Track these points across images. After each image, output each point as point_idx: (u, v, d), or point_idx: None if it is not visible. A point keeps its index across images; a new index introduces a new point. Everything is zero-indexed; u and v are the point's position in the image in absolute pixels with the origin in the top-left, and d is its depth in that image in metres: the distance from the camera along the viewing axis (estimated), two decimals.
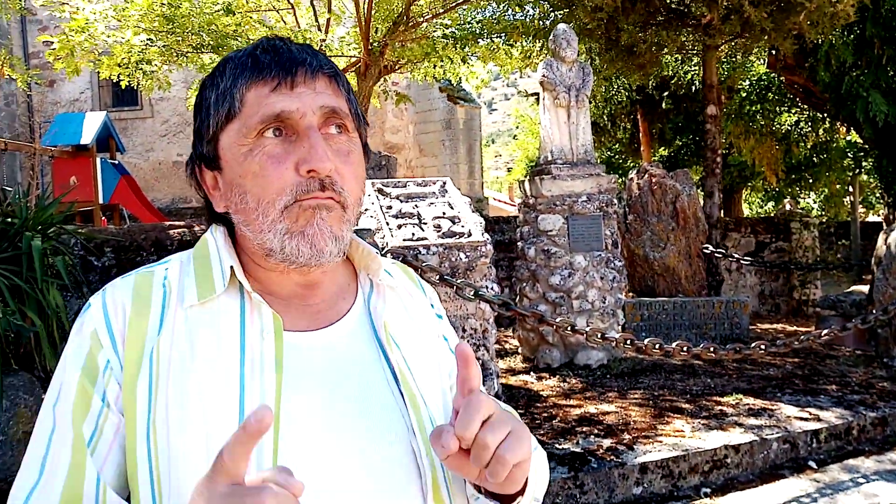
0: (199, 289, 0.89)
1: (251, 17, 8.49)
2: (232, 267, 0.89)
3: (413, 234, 3.86)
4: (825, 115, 10.53)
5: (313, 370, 0.88)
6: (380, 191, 4.18)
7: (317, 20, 9.10)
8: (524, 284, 6.05)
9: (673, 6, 7.51)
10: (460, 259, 3.85)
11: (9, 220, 4.64)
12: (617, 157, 15.82)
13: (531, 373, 5.75)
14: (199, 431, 0.80)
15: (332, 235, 0.87)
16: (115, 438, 0.84)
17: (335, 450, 0.84)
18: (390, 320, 0.98)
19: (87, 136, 9.97)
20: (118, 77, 8.56)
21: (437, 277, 3.58)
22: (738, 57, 10.60)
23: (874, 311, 5.07)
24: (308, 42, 8.45)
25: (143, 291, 0.89)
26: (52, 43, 7.76)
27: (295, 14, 8.88)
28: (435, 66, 9.89)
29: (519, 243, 6.18)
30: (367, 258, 1.00)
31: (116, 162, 11.26)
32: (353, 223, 0.92)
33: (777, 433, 4.12)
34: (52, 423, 0.85)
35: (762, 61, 11.06)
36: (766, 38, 7.57)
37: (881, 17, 8.19)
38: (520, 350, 6.39)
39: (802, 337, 4.47)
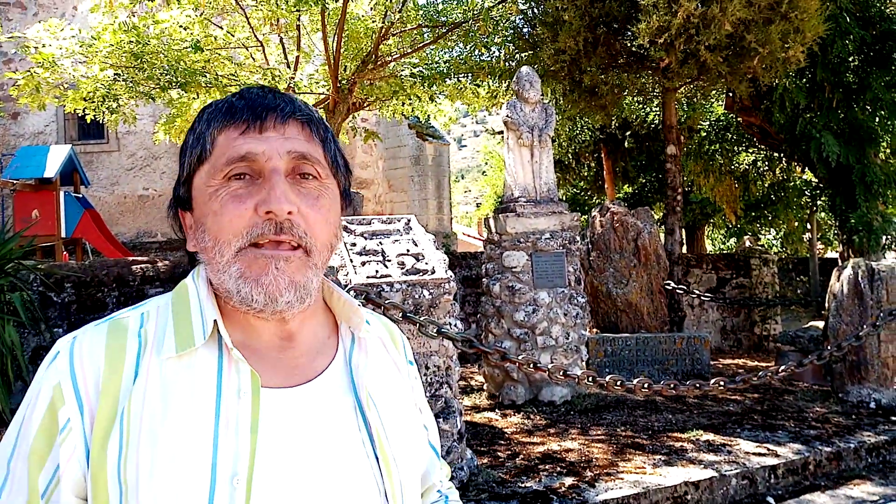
0: (177, 340, 0.87)
1: (220, 54, 8.54)
2: (216, 320, 0.88)
3: (377, 272, 3.88)
4: (781, 154, 10.88)
5: (289, 430, 0.86)
6: (344, 228, 4.21)
7: (286, 58, 9.19)
8: (489, 320, 6.09)
9: (633, 50, 7.76)
10: (424, 296, 3.88)
11: None
12: (582, 193, 16.09)
13: (496, 410, 5.76)
14: (169, 493, 0.79)
15: (290, 283, 0.86)
16: (71, 497, 0.83)
17: None
18: (370, 378, 0.96)
19: (51, 170, 9.86)
20: (84, 111, 8.51)
21: (400, 315, 3.60)
22: (697, 98, 10.95)
23: (829, 348, 5.21)
24: (277, 78, 8.53)
25: (117, 343, 0.87)
26: (17, 80, 7.71)
27: (264, 52, 8.96)
28: (403, 104, 10.04)
29: (484, 279, 6.24)
30: (348, 310, 0.99)
31: (80, 195, 11.13)
32: (320, 268, 0.91)
33: (736, 469, 4.18)
34: (5, 472, 0.83)
35: (720, 102, 11.44)
36: (722, 80, 7.85)
37: (830, 63, 8.56)
38: (485, 387, 6.39)
39: (760, 374, 4.57)
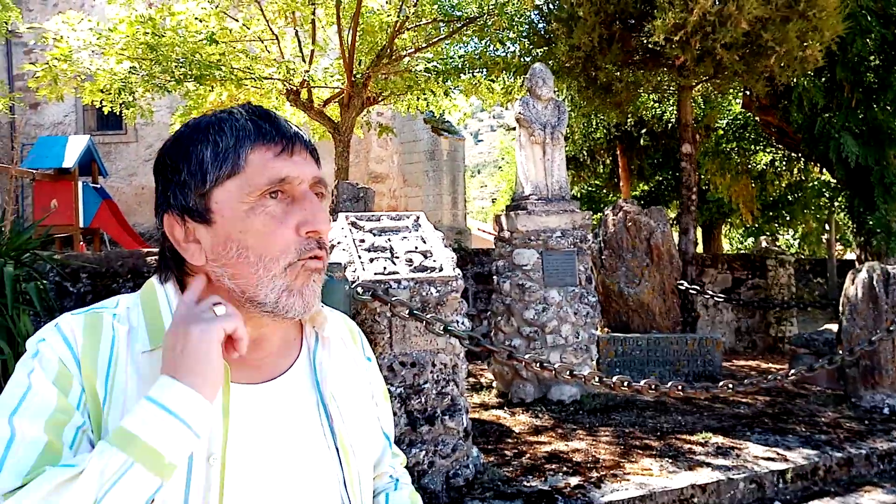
0: (150, 336, 0.93)
1: (235, 47, 8.57)
2: None
3: (384, 268, 3.88)
4: (799, 154, 10.75)
5: (257, 421, 0.95)
6: (353, 224, 4.21)
7: (301, 51, 9.20)
8: (499, 318, 6.08)
9: (648, 47, 7.68)
10: (431, 293, 3.87)
11: None
12: (597, 191, 15.99)
13: (504, 408, 5.75)
14: None
15: (318, 295, 0.97)
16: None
17: (276, 497, 0.93)
18: (332, 375, 1.05)
19: (70, 160, 9.96)
20: (101, 103, 8.59)
21: (407, 312, 3.60)
22: (714, 96, 10.83)
23: (841, 352, 5.15)
24: (292, 72, 8.55)
25: (94, 330, 0.92)
26: (36, 71, 7.79)
27: (279, 45, 8.98)
28: (418, 99, 10.03)
29: (494, 277, 6.22)
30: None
31: (98, 186, 11.24)
32: None
33: (744, 473, 4.14)
34: (9, 432, 0.83)
35: (738, 101, 11.30)
36: (738, 79, 7.76)
37: (849, 62, 8.43)
38: (494, 384, 6.39)
39: (770, 377, 4.52)
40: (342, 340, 1.14)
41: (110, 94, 8.40)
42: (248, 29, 8.73)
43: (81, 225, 10.04)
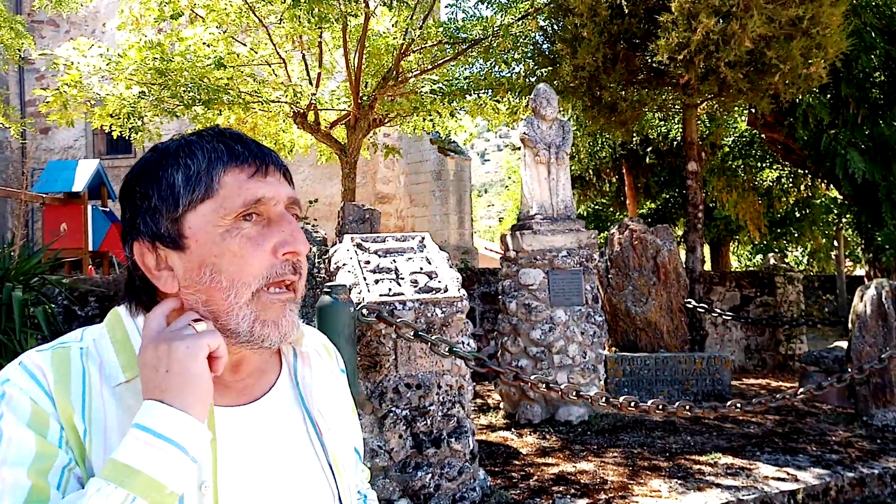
0: (123, 368, 0.89)
1: (242, 72, 8.67)
2: None
3: (390, 290, 3.89)
4: (806, 171, 10.73)
5: (245, 444, 0.92)
6: (359, 245, 4.23)
7: (308, 74, 9.30)
8: (506, 338, 6.06)
9: (652, 66, 7.72)
10: (436, 314, 3.87)
11: None
12: (604, 210, 16.00)
13: (512, 429, 5.71)
14: None
15: (295, 323, 0.94)
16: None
17: None
18: (316, 390, 1.04)
19: (80, 184, 10.07)
20: (110, 128, 8.69)
21: (412, 333, 3.60)
22: (720, 114, 10.85)
23: (850, 370, 5.10)
24: (300, 94, 8.64)
25: (63, 364, 0.88)
26: (47, 96, 7.90)
27: (286, 68, 9.08)
28: (424, 120, 10.10)
29: (500, 297, 6.22)
30: None
31: (108, 209, 11.34)
32: None
33: (754, 493, 4.09)
34: None
35: (743, 118, 11.33)
36: (743, 97, 7.77)
37: (854, 79, 8.45)
38: (502, 405, 6.36)
39: (778, 396, 4.48)
40: (318, 353, 1.12)
41: (120, 118, 8.51)
42: (256, 53, 8.84)
43: (90, 248, 10.11)
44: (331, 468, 0.97)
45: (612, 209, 15.76)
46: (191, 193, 0.89)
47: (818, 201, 12.96)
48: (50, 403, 0.83)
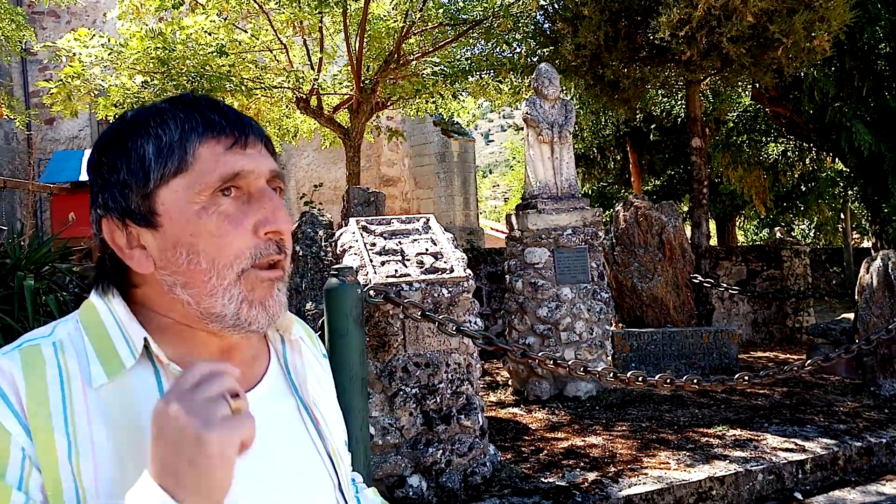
0: (105, 367, 0.81)
1: (244, 58, 8.67)
2: (146, 338, 0.83)
3: (396, 271, 3.93)
4: (811, 145, 10.69)
5: None
6: (364, 228, 4.26)
7: (310, 59, 9.29)
8: (513, 317, 6.11)
9: (654, 43, 7.68)
10: (443, 294, 3.91)
11: (1, 259, 4.72)
12: (609, 187, 15.98)
13: (520, 405, 5.78)
14: None
15: (283, 304, 0.87)
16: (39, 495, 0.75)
17: None
18: (307, 377, 0.99)
19: (86, 173, 10.12)
20: (115, 117, 8.72)
21: (420, 313, 3.65)
22: (724, 90, 10.80)
23: (858, 341, 5.13)
24: (302, 80, 8.64)
25: (35, 368, 0.79)
26: (50, 88, 7.93)
27: (288, 54, 9.07)
28: (427, 102, 10.09)
29: (507, 276, 6.25)
30: None
31: None
32: None
33: (762, 464, 4.14)
34: None
35: (747, 93, 11.27)
36: (746, 72, 7.74)
37: (859, 51, 8.38)
38: (510, 382, 6.42)
39: (786, 368, 4.51)
40: (302, 340, 1.06)
41: (124, 108, 8.53)
42: (257, 39, 8.83)
43: None
44: (330, 458, 0.94)
45: (616, 187, 15.75)
46: (162, 167, 0.81)
47: (824, 174, 12.91)
48: (15, 422, 0.74)
